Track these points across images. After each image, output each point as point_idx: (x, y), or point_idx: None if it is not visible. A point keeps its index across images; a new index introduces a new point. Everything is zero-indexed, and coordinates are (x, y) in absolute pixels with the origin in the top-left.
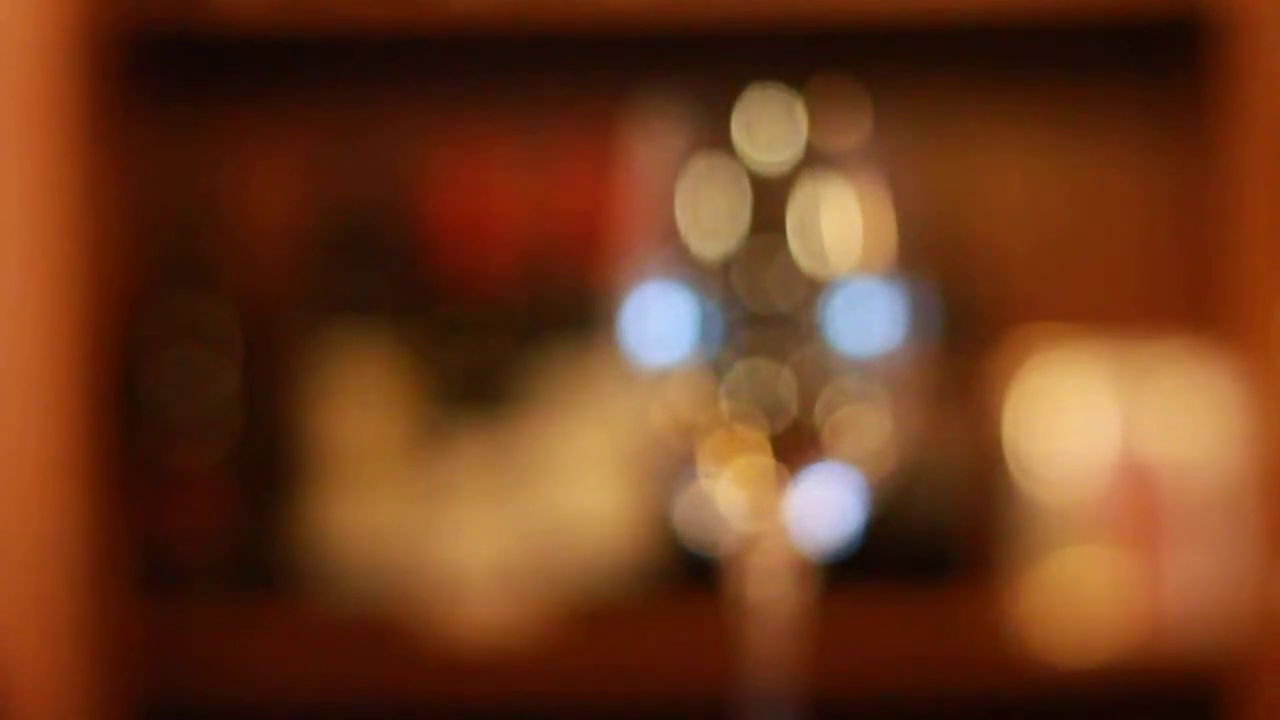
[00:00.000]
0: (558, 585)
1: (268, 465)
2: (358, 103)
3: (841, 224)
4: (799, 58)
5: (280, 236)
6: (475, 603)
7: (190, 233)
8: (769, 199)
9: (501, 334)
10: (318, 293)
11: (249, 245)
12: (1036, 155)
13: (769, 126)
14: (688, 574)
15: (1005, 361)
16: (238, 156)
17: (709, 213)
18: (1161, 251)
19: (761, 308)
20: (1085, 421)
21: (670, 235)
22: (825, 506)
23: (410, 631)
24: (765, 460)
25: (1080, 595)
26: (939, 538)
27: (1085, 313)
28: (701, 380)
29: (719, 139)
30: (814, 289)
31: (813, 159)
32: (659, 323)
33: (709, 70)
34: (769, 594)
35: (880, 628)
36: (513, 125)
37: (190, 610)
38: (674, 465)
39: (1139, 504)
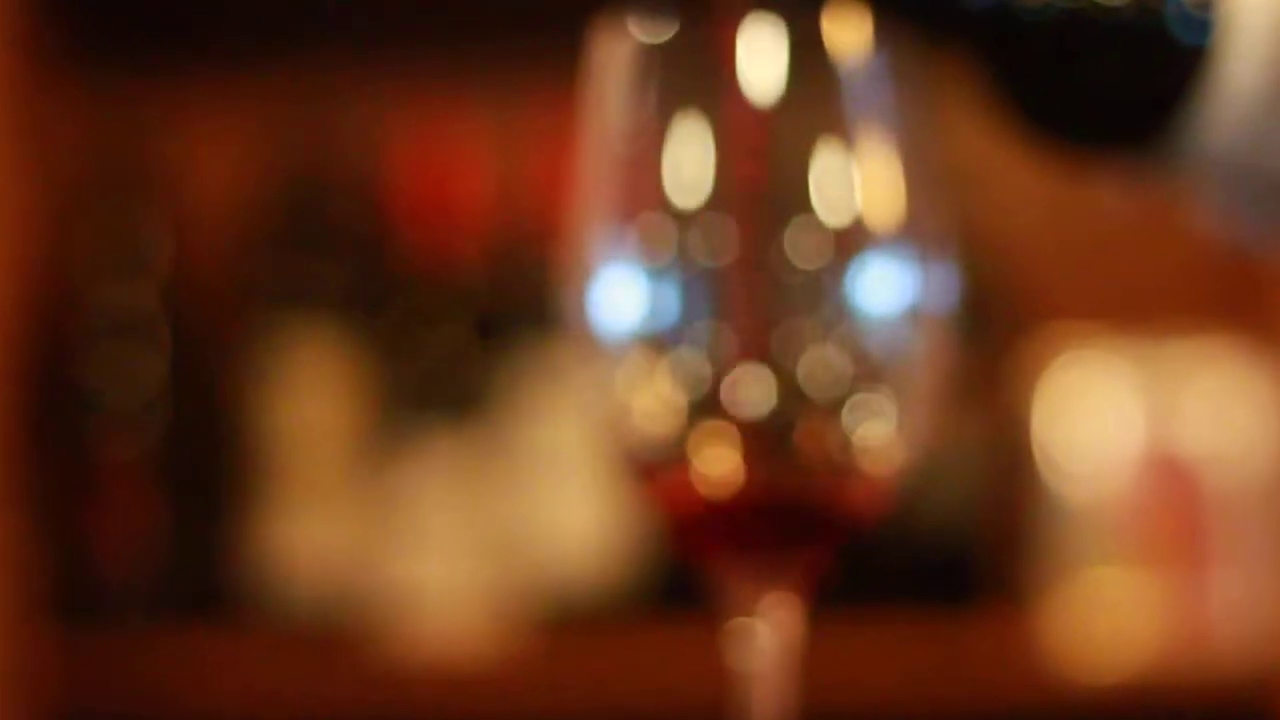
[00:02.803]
0: (531, 603)
1: (207, 473)
2: (308, 68)
3: (848, 188)
4: None
5: (223, 216)
6: (440, 624)
7: (123, 211)
8: (761, 154)
9: (468, 326)
10: (264, 280)
11: (187, 226)
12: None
13: (759, 66)
14: (672, 589)
15: (1029, 361)
16: (175, 128)
17: (689, 171)
18: (1196, 242)
19: (754, 284)
20: (1117, 426)
21: (643, 198)
22: None
23: (368, 657)
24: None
25: (1113, 613)
26: (957, 552)
27: (1114, 307)
28: (685, 374)
29: (702, 81)
30: (815, 263)
31: (812, 108)
32: (633, 305)
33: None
34: (763, 612)
35: (888, 651)
36: (479, 92)
37: (120, 637)
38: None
39: (1177, 514)
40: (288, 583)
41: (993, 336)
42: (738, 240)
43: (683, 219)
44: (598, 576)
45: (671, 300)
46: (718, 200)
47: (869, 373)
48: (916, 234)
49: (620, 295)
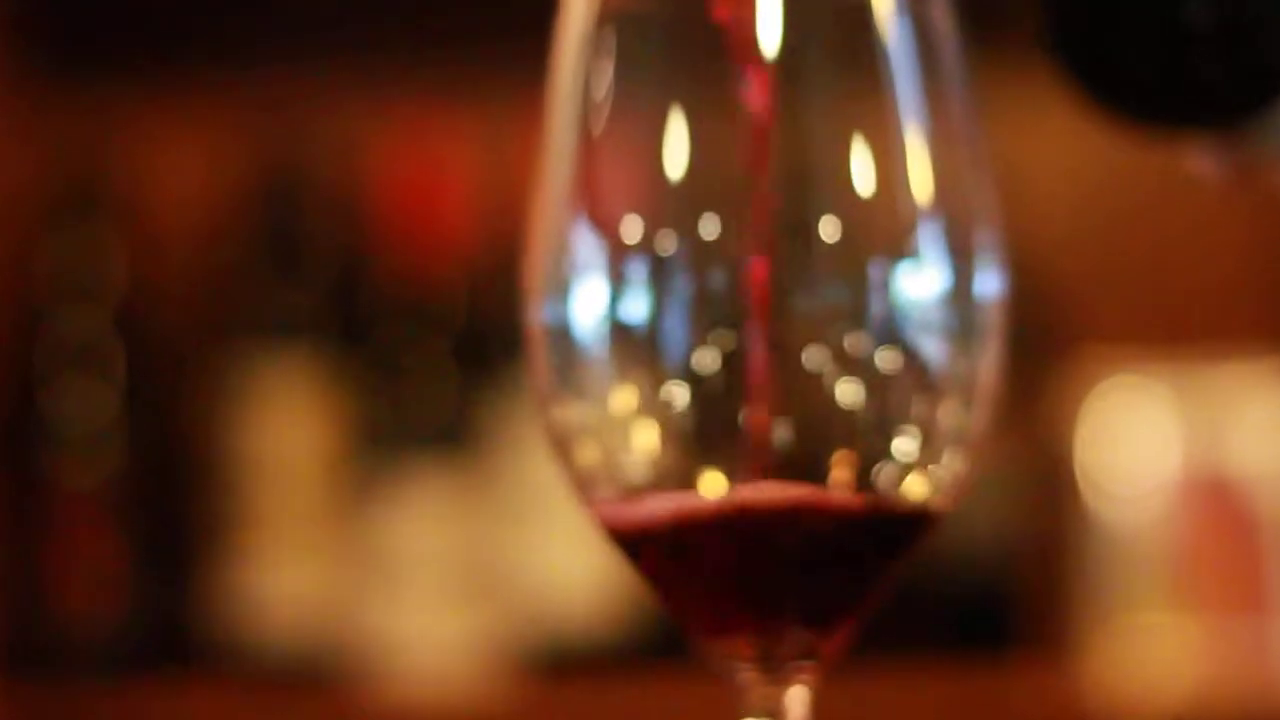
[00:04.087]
0: (521, 649)
1: (172, 512)
2: (278, 75)
3: (883, 168)
4: None
5: (187, 235)
6: (423, 672)
7: (81, 230)
8: (768, 127)
9: (452, 351)
10: (232, 302)
11: (149, 244)
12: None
13: (768, 15)
14: (672, 633)
15: (1071, 386)
16: (135, 140)
17: (680, 146)
18: (1249, 256)
19: (765, 285)
20: (1164, 455)
21: (623, 184)
22: None
23: (347, 709)
24: None
25: (1162, 658)
26: (994, 591)
27: (1160, 329)
28: (684, 396)
29: (688, 39)
30: (839, 259)
31: (835, 69)
32: (613, 317)
33: None
34: (782, 708)
35: (917, 702)
36: (463, 100)
37: (76, 690)
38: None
39: (1230, 550)
40: (260, 629)
41: (1031, 360)
42: (741, 231)
43: (673, 206)
44: (592, 620)
45: (660, 309)
46: (715, 185)
47: (911, 386)
48: (961, 223)
49: (598, 306)
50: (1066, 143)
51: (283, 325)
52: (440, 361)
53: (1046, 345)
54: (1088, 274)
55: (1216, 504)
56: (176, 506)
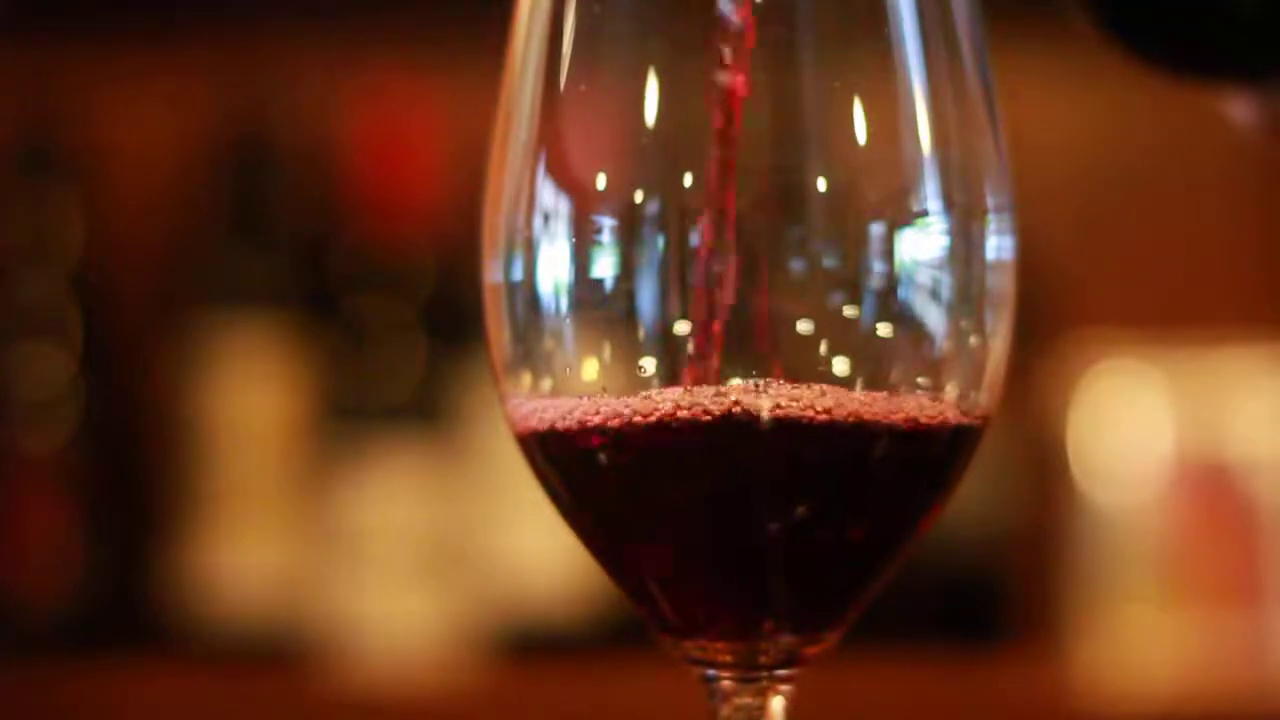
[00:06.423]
0: (491, 630)
1: (130, 487)
2: (247, 33)
3: (881, 124)
4: None
5: (149, 198)
6: (389, 654)
7: (32, 191)
8: (761, 88)
9: (424, 324)
10: (195, 268)
11: (106, 207)
12: (1093, 111)
13: None
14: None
15: (1064, 370)
16: (95, 99)
17: (653, 100)
18: (1246, 240)
19: (755, 264)
20: (1159, 441)
21: (593, 140)
22: None
23: (309, 692)
24: None
25: (1156, 649)
26: (984, 580)
27: (1155, 312)
28: (656, 358)
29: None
30: (836, 232)
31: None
32: (583, 288)
33: None
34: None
35: (899, 699)
36: (436, 60)
37: (28, 669)
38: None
39: (1226, 539)
40: (219, 606)
41: (1023, 343)
42: (723, 196)
43: (646, 167)
44: (563, 600)
45: (634, 279)
46: (692, 143)
47: (913, 361)
48: (968, 186)
49: (561, 261)
50: (1062, 125)
51: (246, 291)
52: (408, 331)
53: (1039, 328)
54: (1082, 256)
55: (1211, 492)
56: (133, 477)
